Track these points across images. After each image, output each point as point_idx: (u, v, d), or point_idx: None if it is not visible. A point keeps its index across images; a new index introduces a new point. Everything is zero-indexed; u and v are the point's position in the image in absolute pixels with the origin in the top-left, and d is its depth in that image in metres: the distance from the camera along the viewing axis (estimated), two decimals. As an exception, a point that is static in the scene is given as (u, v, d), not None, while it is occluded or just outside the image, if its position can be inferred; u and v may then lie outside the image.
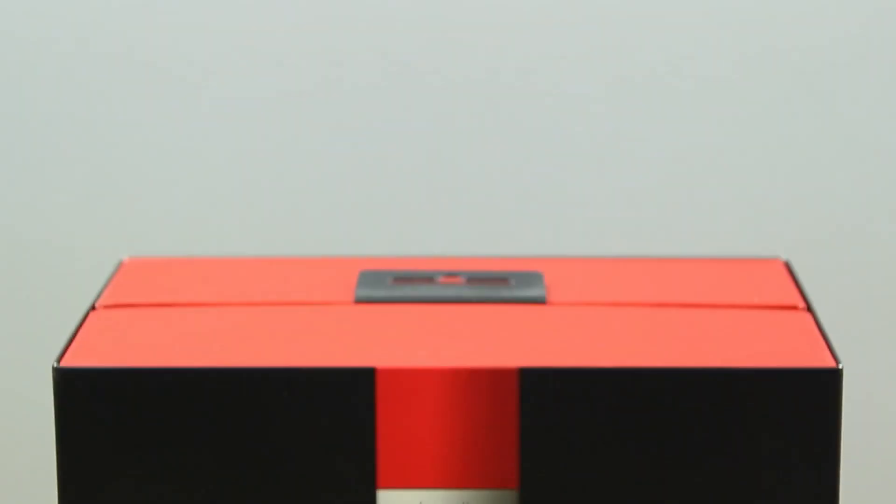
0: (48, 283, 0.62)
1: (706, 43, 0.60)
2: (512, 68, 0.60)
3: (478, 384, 0.33)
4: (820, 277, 0.51)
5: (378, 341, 0.35)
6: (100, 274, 0.41)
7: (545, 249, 0.56)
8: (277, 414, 0.33)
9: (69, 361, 0.33)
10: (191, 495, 0.33)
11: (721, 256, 0.42)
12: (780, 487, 0.33)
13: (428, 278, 0.38)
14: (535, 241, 0.61)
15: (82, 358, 0.33)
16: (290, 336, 0.35)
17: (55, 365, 0.33)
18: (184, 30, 0.59)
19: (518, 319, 0.36)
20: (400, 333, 0.35)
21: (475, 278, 0.38)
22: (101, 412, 0.33)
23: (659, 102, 0.60)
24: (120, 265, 0.40)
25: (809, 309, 0.37)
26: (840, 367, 0.33)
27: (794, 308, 0.37)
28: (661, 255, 0.44)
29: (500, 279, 0.38)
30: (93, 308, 0.37)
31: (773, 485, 0.33)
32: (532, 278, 0.38)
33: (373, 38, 0.59)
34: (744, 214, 0.61)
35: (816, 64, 0.60)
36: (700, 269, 0.41)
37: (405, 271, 0.39)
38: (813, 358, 0.33)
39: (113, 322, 0.36)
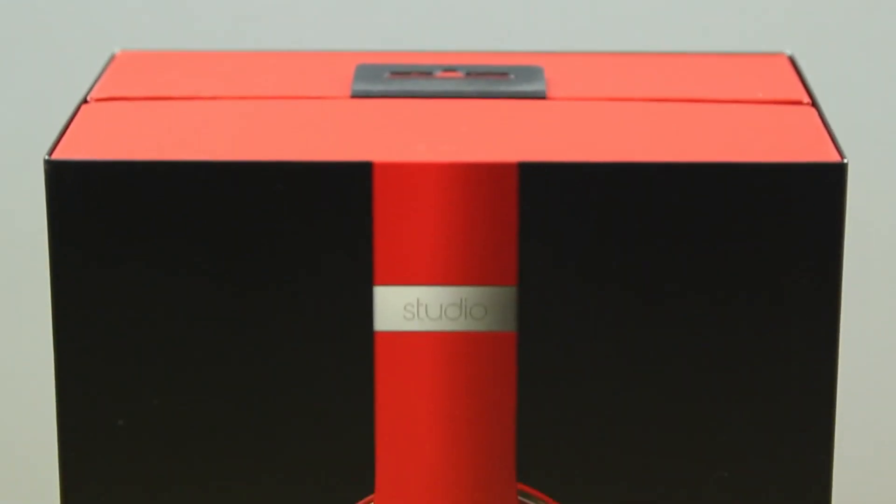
0: (38, 76, 0.61)
1: None
2: None
3: (476, 179, 0.32)
4: (825, 72, 0.51)
5: (375, 135, 0.34)
6: (91, 67, 0.40)
7: (546, 45, 0.55)
8: (272, 209, 0.32)
9: (61, 154, 0.33)
10: (183, 289, 0.33)
11: (725, 51, 0.42)
12: (783, 282, 0.33)
13: (426, 73, 0.38)
14: (536, 36, 0.61)
15: (75, 151, 0.33)
16: (285, 130, 0.34)
17: (46, 158, 0.32)
18: None
19: (518, 114, 0.35)
20: (397, 128, 0.35)
21: (474, 73, 0.38)
22: (94, 206, 0.32)
23: None
24: (112, 58, 0.40)
25: (814, 104, 0.36)
26: (845, 161, 0.32)
27: (799, 103, 0.36)
28: (664, 50, 0.44)
29: (499, 73, 0.38)
30: (85, 101, 0.36)
31: (776, 281, 0.33)
32: (532, 73, 0.38)
33: None
34: (748, 8, 0.60)
35: None
36: (703, 63, 0.40)
37: (403, 65, 0.38)
38: (818, 152, 0.33)
39: (106, 115, 0.35)
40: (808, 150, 0.33)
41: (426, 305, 0.33)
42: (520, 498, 0.33)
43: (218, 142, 0.34)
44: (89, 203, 0.32)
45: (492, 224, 0.32)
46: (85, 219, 0.32)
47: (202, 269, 0.32)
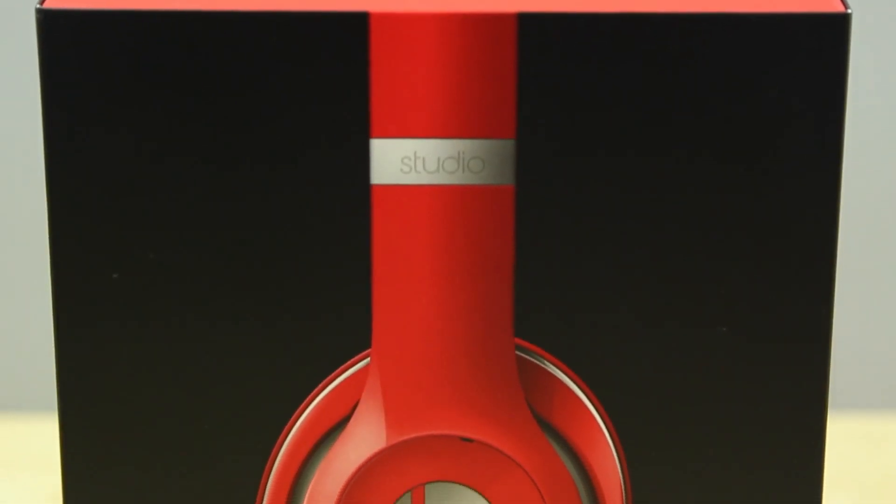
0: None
1: None
2: None
3: (475, 30, 0.32)
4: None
5: (372, -14, 0.34)
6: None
7: None
8: (268, 60, 0.32)
9: (53, 2, 0.32)
10: (179, 143, 0.32)
11: None
12: (784, 137, 0.32)
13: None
14: None
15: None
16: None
17: (38, 6, 0.32)
18: None
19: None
20: (394, -22, 0.34)
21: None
22: (88, 58, 0.32)
23: None
24: None
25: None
26: (848, 11, 0.32)
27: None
28: None
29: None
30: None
31: (777, 136, 0.32)
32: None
33: None
34: None
35: None
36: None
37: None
38: (820, 3, 0.32)
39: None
40: (811, 0, 0.33)
41: (423, 159, 0.33)
42: (517, 352, 0.33)
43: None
44: (83, 55, 0.32)
45: (490, 76, 0.32)
46: (79, 72, 0.32)
47: (197, 122, 0.32)
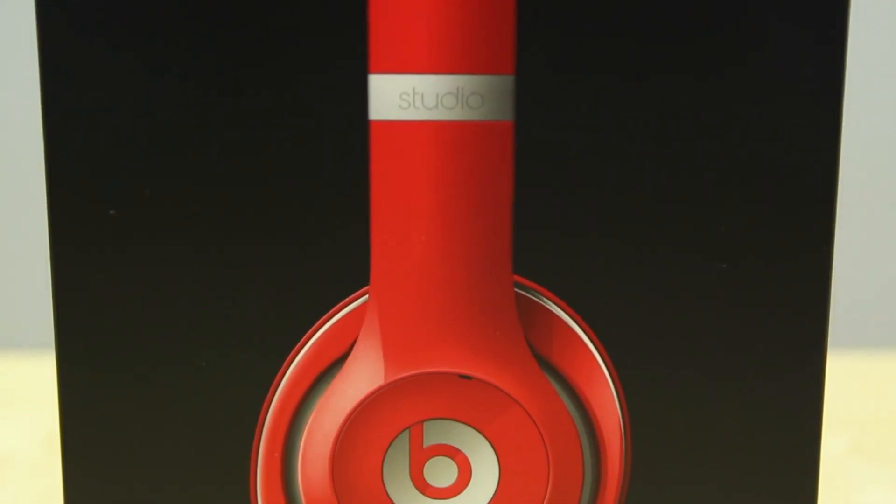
0: None
1: None
2: None
3: (474, -36, 0.32)
4: None
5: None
6: None
7: None
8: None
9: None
10: (178, 80, 0.32)
11: None
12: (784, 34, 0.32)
13: None
14: None
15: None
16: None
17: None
18: None
19: None
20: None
21: None
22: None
23: None
24: None
25: None
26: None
27: None
28: None
29: None
30: None
31: (778, 37, 0.32)
32: None
33: None
34: None
35: None
36: None
37: None
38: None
39: None
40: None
41: (422, 94, 0.32)
42: (516, 290, 0.33)
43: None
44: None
45: (489, 11, 0.32)
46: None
47: (196, 55, 0.32)
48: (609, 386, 0.34)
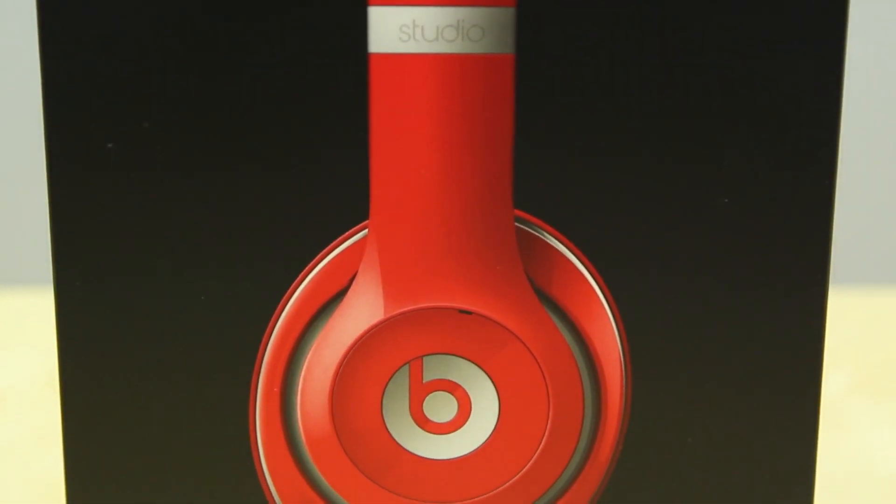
0: None
1: None
2: None
3: None
4: None
5: None
6: None
7: None
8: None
9: None
10: (175, 19, 0.32)
11: None
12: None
13: None
14: None
15: None
16: None
17: None
18: None
19: None
20: None
21: None
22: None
23: None
24: None
25: None
26: None
27: None
28: None
29: None
30: None
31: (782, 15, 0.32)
32: None
33: None
34: None
35: None
36: None
37: None
38: None
39: None
40: None
41: (422, 27, 0.32)
42: (516, 224, 0.33)
43: None
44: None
45: (490, -58, 0.31)
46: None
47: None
48: (609, 320, 0.34)
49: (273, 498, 0.34)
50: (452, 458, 0.34)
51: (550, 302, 0.34)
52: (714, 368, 0.34)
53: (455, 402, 0.34)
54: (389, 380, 0.34)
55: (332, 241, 0.33)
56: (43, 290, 0.66)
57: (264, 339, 0.34)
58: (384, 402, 0.34)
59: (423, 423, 0.34)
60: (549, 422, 0.34)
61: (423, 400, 0.34)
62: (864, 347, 0.69)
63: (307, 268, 0.33)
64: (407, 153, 0.33)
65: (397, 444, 0.34)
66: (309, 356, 0.34)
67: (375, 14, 0.32)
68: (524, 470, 0.34)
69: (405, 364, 0.34)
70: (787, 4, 0.32)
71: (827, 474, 0.55)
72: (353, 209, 0.33)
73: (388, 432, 0.34)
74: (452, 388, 0.34)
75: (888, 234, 0.75)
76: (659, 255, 0.33)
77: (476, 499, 0.34)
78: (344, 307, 0.33)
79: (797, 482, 0.35)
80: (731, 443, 0.34)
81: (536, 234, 0.33)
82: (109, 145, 0.33)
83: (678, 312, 0.34)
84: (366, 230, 0.33)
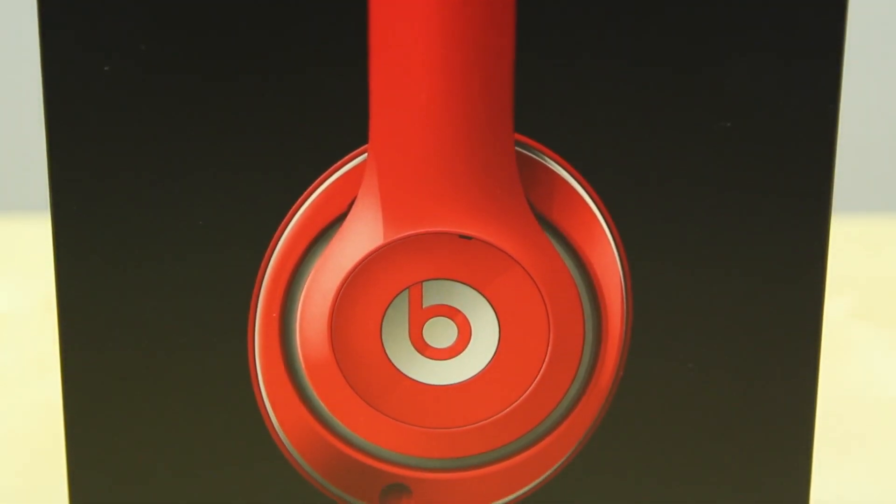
0: None
1: None
2: None
3: None
4: None
5: None
6: None
7: None
8: None
9: None
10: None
11: None
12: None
13: None
14: None
15: None
16: None
17: None
18: None
19: None
20: None
21: None
22: None
23: None
24: None
25: None
26: None
27: None
28: None
29: None
30: None
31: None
32: None
33: None
34: None
35: None
36: None
37: None
38: None
39: None
40: None
41: (422, -52, 0.32)
42: (517, 148, 0.33)
43: None
44: None
45: None
46: None
47: None
48: (610, 245, 0.33)
49: (272, 423, 0.34)
50: (452, 384, 0.34)
51: (551, 226, 0.33)
52: (715, 292, 0.34)
53: (455, 328, 0.34)
54: (389, 305, 0.34)
55: (330, 166, 0.33)
56: (40, 215, 0.66)
57: (263, 265, 0.33)
58: (383, 327, 0.34)
59: (423, 348, 0.34)
60: (550, 347, 0.34)
61: (423, 325, 0.34)
62: (864, 273, 0.69)
63: (306, 192, 0.33)
64: (406, 75, 0.32)
65: (397, 369, 0.34)
66: (308, 281, 0.34)
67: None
68: (524, 396, 0.34)
69: (405, 289, 0.34)
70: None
71: (828, 399, 0.56)
72: (353, 133, 0.33)
73: (388, 358, 0.34)
74: (452, 313, 0.34)
75: (893, 159, 0.74)
76: (660, 180, 0.33)
77: (475, 424, 0.34)
78: (343, 232, 0.33)
79: (799, 407, 0.34)
80: (733, 368, 0.34)
81: (537, 158, 0.33)
82: (106, 68, 0.32)
83: (679, 237, 0.33)
84: (365, 154, 0.33)
